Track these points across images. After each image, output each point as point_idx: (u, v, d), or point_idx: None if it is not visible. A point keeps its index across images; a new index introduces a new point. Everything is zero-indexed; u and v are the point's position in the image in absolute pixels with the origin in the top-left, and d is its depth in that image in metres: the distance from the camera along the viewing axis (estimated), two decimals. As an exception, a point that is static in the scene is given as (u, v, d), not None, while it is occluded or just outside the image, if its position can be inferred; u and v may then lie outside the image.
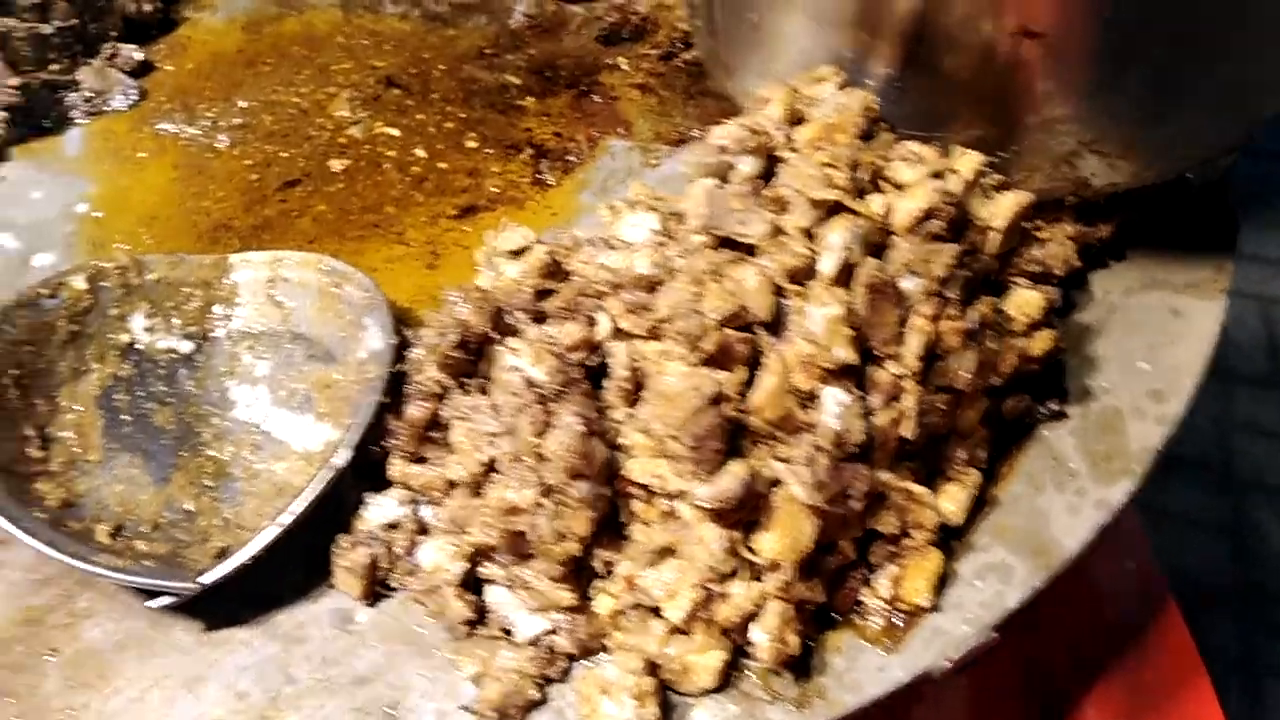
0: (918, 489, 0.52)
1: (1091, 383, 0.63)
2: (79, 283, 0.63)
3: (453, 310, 0.52)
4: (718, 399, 0.46)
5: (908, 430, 0.51)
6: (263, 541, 0.51)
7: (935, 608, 0.53)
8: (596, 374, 0.53)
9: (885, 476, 0.51)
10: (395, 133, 0.81)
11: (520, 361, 0.50)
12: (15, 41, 0.75)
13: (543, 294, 0.56)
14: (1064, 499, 0.58)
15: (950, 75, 0.62)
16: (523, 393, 0.49)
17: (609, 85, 0.85)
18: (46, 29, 0.77)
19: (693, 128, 0.83)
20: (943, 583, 0.54)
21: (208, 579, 0.51)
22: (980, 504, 0.57)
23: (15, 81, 0.75)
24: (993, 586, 0.55)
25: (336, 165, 0.78)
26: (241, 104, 0.82)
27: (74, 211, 0.74)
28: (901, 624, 0.53)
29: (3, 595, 0.54)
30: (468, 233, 0.75)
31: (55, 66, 0.78)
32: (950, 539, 0.55)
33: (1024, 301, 0.57)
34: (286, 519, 0.52)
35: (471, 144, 0.81)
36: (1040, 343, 0.57)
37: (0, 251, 0.71)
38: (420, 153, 0.80)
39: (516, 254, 0.72)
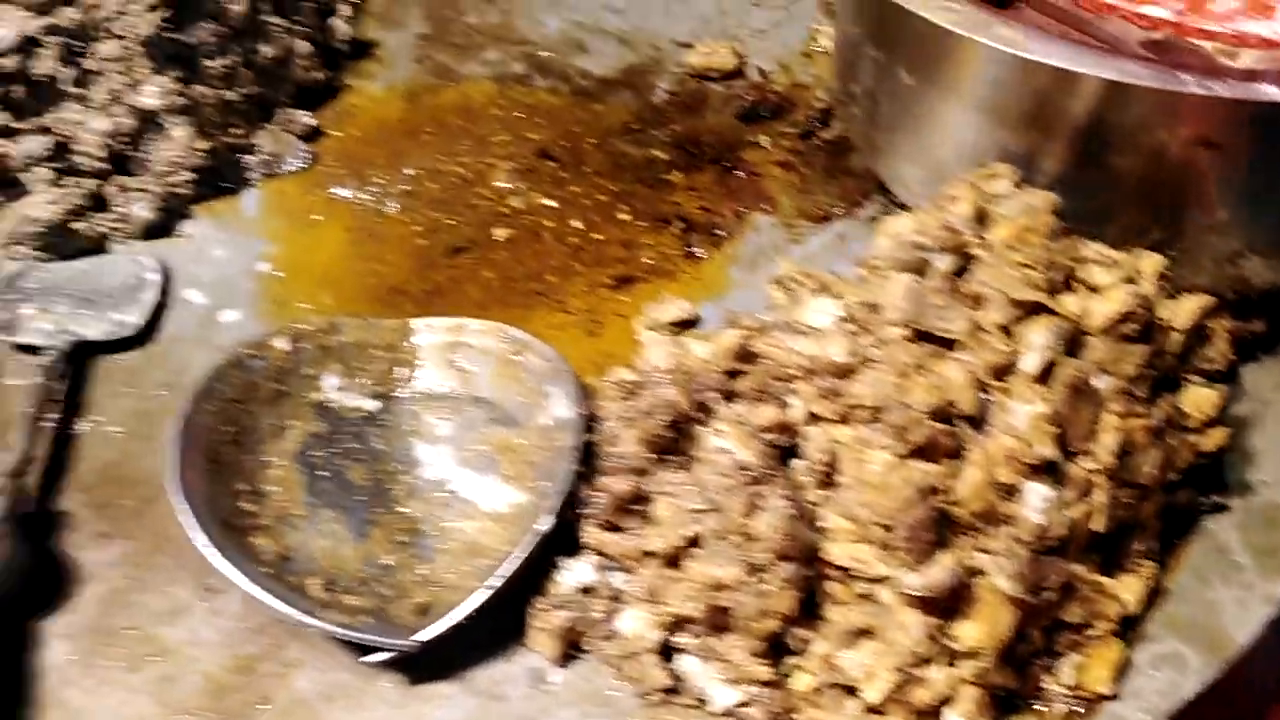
0: (1104, 580, 0.54)
1: (1251, 477, 0.65)
2: (282, 344, 0.66)
3: (657, 389, 0.55)
4: (929, 491, 0.49)
5: (1099, 524, 0.53)
6: (475, 603, 0.54)
7: (1115, 696, 0.55)
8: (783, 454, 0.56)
9: (1076, 568, 0.53)
10: (552, 204, 0.85)
11: (727, 443, 0.52)
12: (205, 108, 0.80)
13: (731, 374, 0.59)
14: (1231, 592, 0.59)
15: (1120, 176, 0.64)
16: (732, 474, 0.51)
17: (751, 161, 0.89)
18: (232, 96, 0.82)
19: (834, 205, 0.86)
20: (1121, 671, 0.55)
21: (425, 637, 0.53)
22: (1153, 595, 0.58)
23: (204, 145, 0.79)
24: (1168, 676, 0.56)
25: (499, 234, 0.82)
26: (408, 171, 0.86)
27: (256, 270, 0.78)
28: (1082, 711, 0.54)
29: (218, 643, 0.58)
30: (625, 302, 0.79)
31: (237, 131, 0.83)
32: (1126, 629, 0.57)
33: (1200, 399, 0.59)
34: (496, 582, 0.55)
35: (624, 216, 0.84)
36: (1214, 439, 0.59)
37: (190, 307, 0.75)
38: (577, 223, 0.83)
39: (678, 326, 0.76)
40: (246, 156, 0.83)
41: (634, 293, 0.79)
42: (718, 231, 0.84)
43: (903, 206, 0.81)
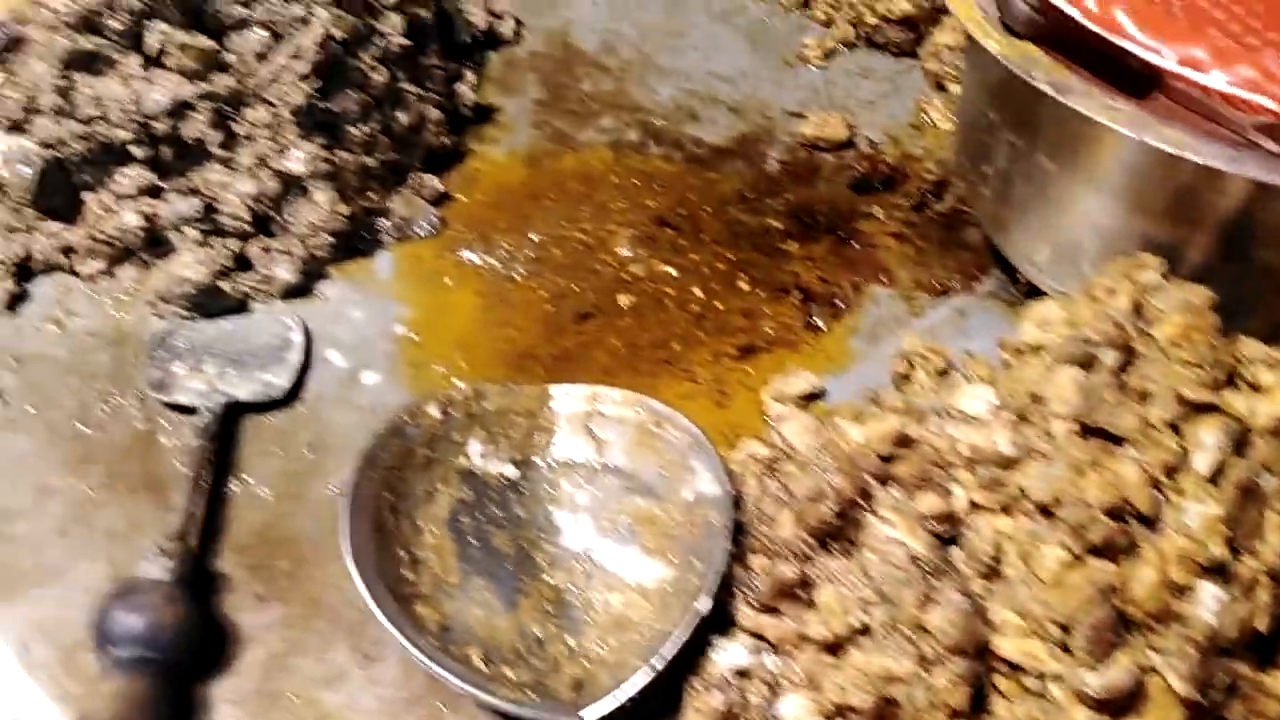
0: (1264, 678, 0.54)
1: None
2: (434, 411, 0.68)
3: (821, 475, 0.56)
4: (1109, 590, 0.49)
5: (1262, 623, 0.53)
6: (640, 683, 0.55)
7: (1277, 797, 0.54)
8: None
9: (1240, 666, 0.53)
10: (673, 272, 0.86)
11: (898, 534, 0.53)
12: (346, 173, 0.83)
13: (887, 458, 0.60)
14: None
15: (1264, 267, 0.65)
16: (905, 566, 0.52)
17: (866, 232, 0.90)
18: (370, 162, 0.85)
19: (951, 278, 0.87)
20: (1283, 772, 0.55)
21: (592, 715, 0.54)
22: (1308, 693, 0.58)
23: (345, 210, 0.82)
24: (1328, 778, 0.56)
25: (624, 301, 0.84)
26: (533, 237, 0.88)
27: (393, 332, 0.80)
28: (1245, 811, 0.54)
29: (377, 711, 0.59)
30: (750, 373, 0.80)
31: (373, 195, 0.85)
32: (1282, 728, 0.57)
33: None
34: (659, 663, 0.55)
35: (743, 285, 0.86)
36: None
37: (331, 367, 0.77)
38: (697, 292, 0.85)
39: (805, 399, 0.77)
40: (381, 220, 0.86)
41: (758, 363, 0.80)
42: (837, 302, 0.85)
43: (1024, 282, 0.82)
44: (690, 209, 0.92)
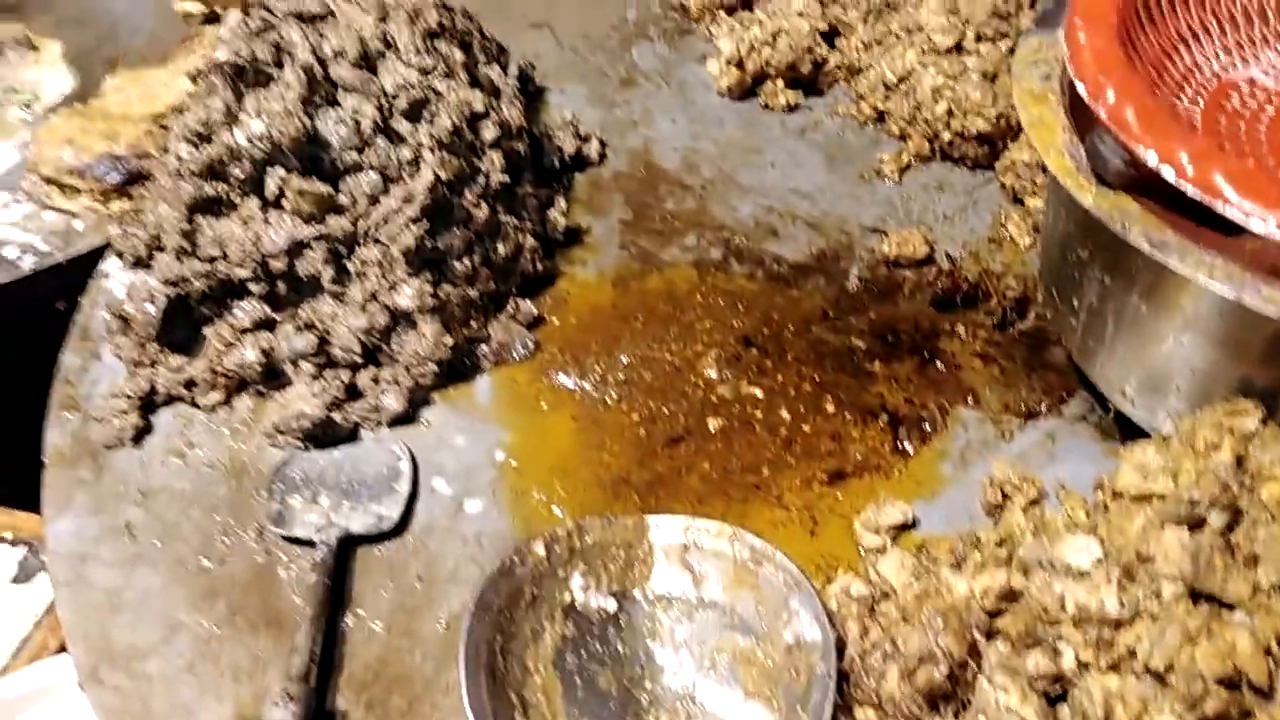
0: None
1: None
2: (540, 549, 0.71)
3: (929, 635, 0.57)
4: (1228, 765, 0.49)
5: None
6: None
7: None
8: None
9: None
10: (759, 393, 0.88)
11: (1011, 701, 0.54)
12: (452, 306, 0.87)
13: (993, 612, 0.60)
14: None
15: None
16: (1019, 731, 0.53)
17: (949, 352, 0.92)
18: (473, 293, 0.89)
19: (1039, 400, 0.88)
20: None
21: None
22: None
23: (450, 341, 0.86)
24: None
25: (713, 424, 0.86)
26: (623, 359, 0.91)
27: (494, 459, 0.83)
28: None
29: None
30: (840, 499, 0.81)
31: (474, 324, 0.89)
32: None
33: None
34: (770, 817, 0.57)
35: (830, 407, 0.87)
36: None
37: (437, 496, 0.80)
38: (785, 414, 0.87)
39: (898, 529, 0.78)
40: (481, 346, 0.89)
41: (847, 489, 0.82)
42: (924, 426, 0.86)
43: (1112, 409, 0.82)
44: (774, 328, 0.94)
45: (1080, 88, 0.65)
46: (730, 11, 1.21)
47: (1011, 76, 0.75)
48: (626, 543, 0.74)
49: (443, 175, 0.85)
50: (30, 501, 0.83)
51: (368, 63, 0.87)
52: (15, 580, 0.91)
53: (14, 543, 0.94)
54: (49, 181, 1.00)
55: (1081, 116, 0.69)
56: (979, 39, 1.04)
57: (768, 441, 0.85)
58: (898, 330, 0.94)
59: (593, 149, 1.09)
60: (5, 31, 1.30)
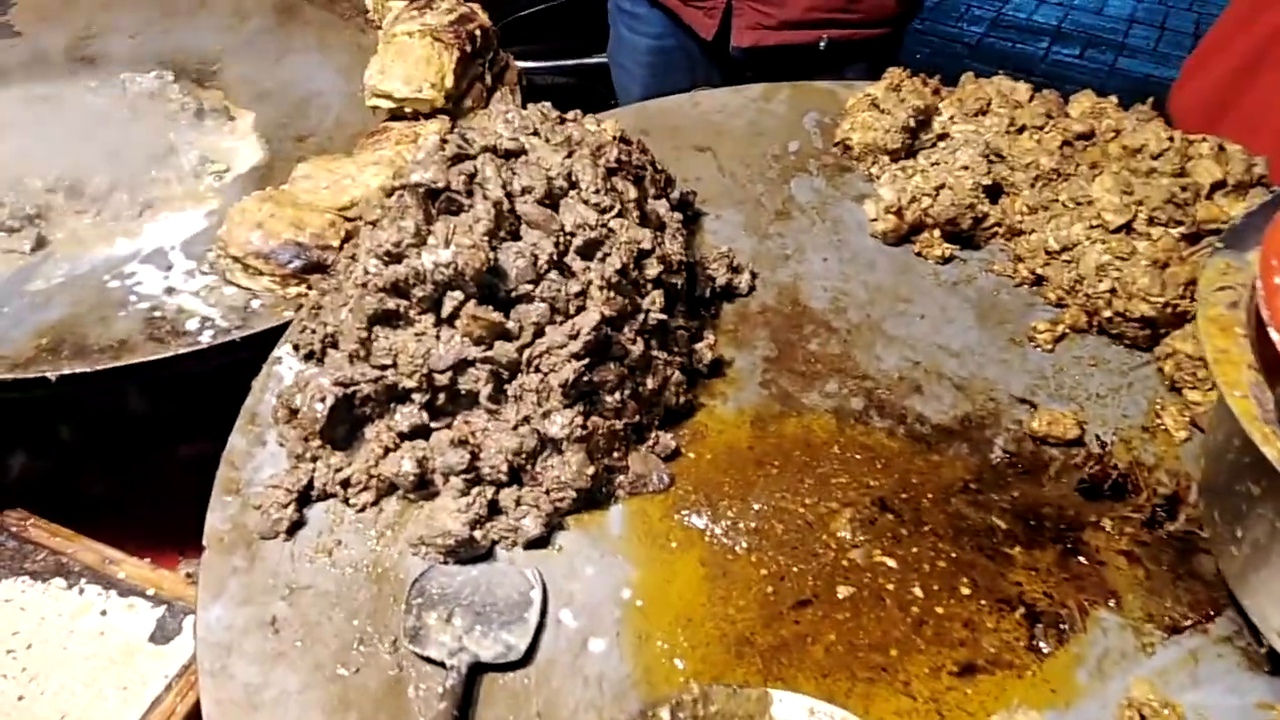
0: None
1: None
2: (665, 715, 0.71)
3: None
4: None
5: None
6: None
7: None
8: None
9: None
10: (893, 564, 0.87)
11: None
12: (598, 437, 0.89)
13: None
14: None
15: None
16: None
17: (1094, 546, 0.89)
18: (618, 425, 0.90)
19: (1184, 614, 0.84)
20: None
21: None
22: None
23: (592, 471, 0.88)
24: None
25: (842, 591, 0.85)
26: (755, 506, 0.91)
27: (620, 596, 0.84)
28: None
29: None
30: (969, 696, 0.79)
31: (616, 455, 0.91)
32: None
33: None
34: None
35: (965, 590, 0.86)
36: None
37: (563, 629, 0.81)
38: (917, 591, 0.85)
39: (1028, 740, 0.75)
40: (619, 476, 0.91)
41: (977, 685, 0.80)
42: (1062, 625, 0.83)
43: (1266, 644, 0.78)
44: (912, 493, 0.93)
45: (1276, 337, 0.64)
46: (894, 157, 1.22)
47: (1197, 298, 0.74)
48: (749, 715, 0.73)
49: (607, 314, 0.87)
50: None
51: (551, 200, 0.91)
52: (152, 639, 0.96)
53: (155, 601, 0.99)
54: (234, 259, 1.07)
55: (1272, 357, 0.67)
56: (1151, 222, 1.03)
57: (898, 619, 0.84)
58: (1040, 514, 0.92)
59: (743, 281, 1.11)
60: (205, 97, 1.40)
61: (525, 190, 0.90)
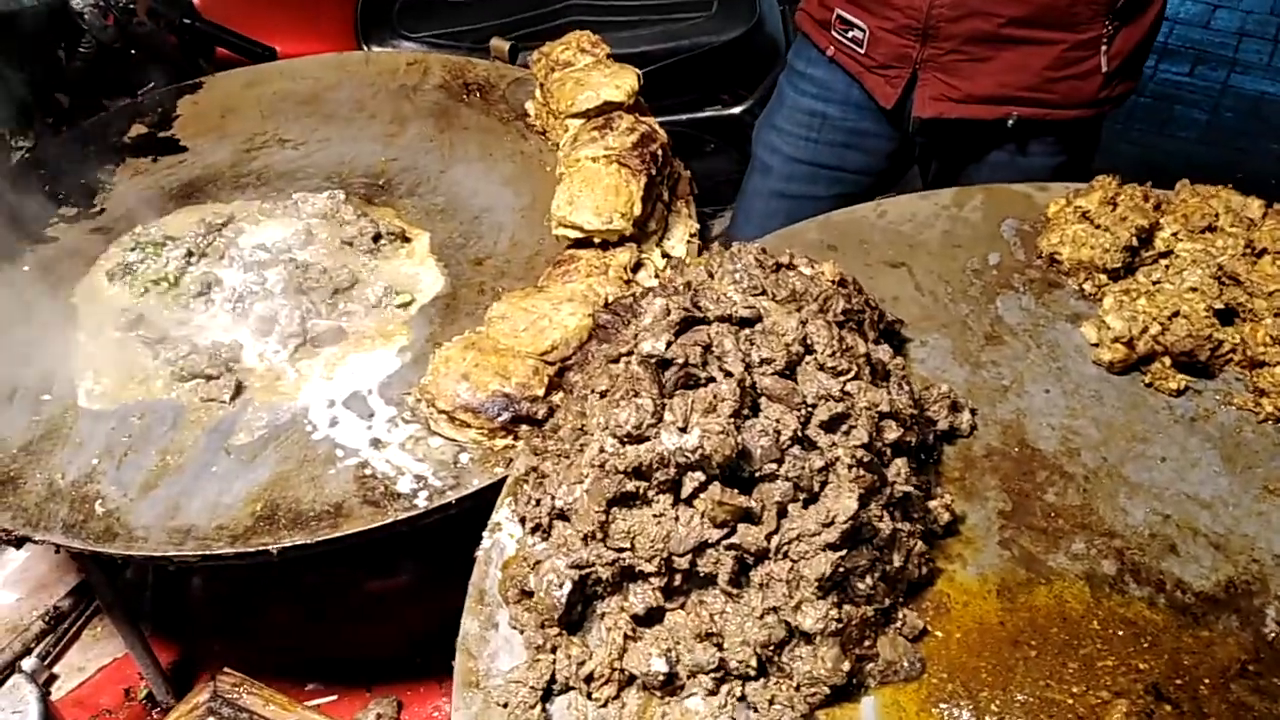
0: None
1: None
2: None
3: None
4: None
5: None
6: None
7: None
8: None
9: None
10: (1182, 768, 0.80)
11: None
12: (852, 628, 0.83)
13: None
14: None
15: None
16: None
17: (1406, 746, 0.80)
18: (869, 612, 0.85)
19: None
20: None
21: None
22: None
23: (846, 666, 0.82)
24: None
25: (1132, 804, 0.78)
26: (1019, 697, 0.85)
27: (888, 809, 0.78)
28: None
29: None
30: None
31: (867, 643, 0.85)
32: None
33: None
34: None
35: (1267, 802, 0.78)
36: None
37: None
38: (1214, 803, 0.78)
39: None
40: (869, 665, 0.85)
41: None
42: None
43: None
44: (1187, 678, 0.86)
45: None
46: (1113, 276, 1.15)
47: None
48: None
49: (859, 494, 0.82)
50: None
51: (789, 369, 0.86)
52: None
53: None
54: (441, 412, 1.04)
55: None
56: None
57: (1198, 838, 0.77)
58: (1335, 703, 0.84)
59: (964, 421, 1.05)
60: (379, 216, 1.38)
61: (765, 362, 0.86)
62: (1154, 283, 1.11)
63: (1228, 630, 0.89)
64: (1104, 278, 1.15)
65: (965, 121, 1.46)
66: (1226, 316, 1.10)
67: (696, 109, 2.48)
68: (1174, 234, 1.13)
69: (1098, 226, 1.15)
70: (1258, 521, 0.97)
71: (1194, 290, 1.08)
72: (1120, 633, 0.89)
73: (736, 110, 2.52)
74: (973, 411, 1.06)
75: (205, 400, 1.13)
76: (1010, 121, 1.44)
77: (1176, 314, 1.06)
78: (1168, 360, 1.08)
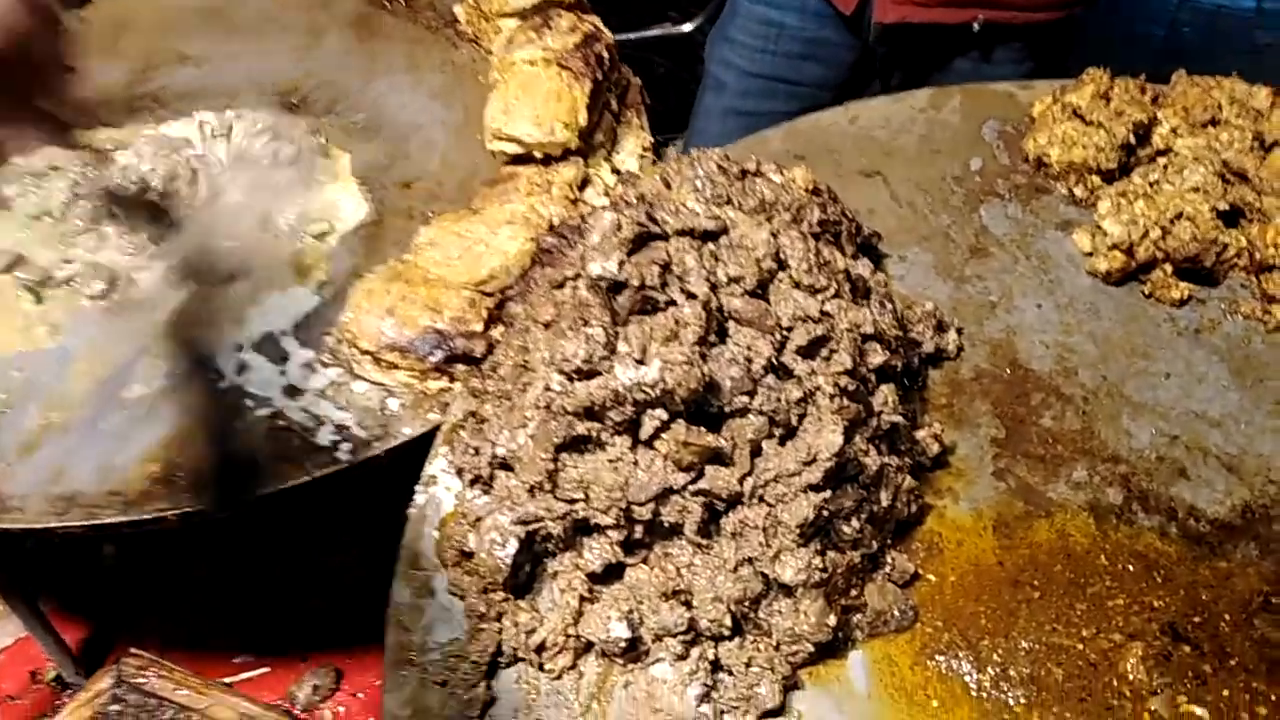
0: None
1: None
2: None
3: None
4: None
5: None
6: None
7: None
8: None
9: None
10: (1203, 714, 0.72)
11: None
12: (837, 577, 0.74)
13: None
14: None
15: None
16: None
17: None
18: (856, 558, 0.75)
19: None
20: None
21: None
22: None
23: (832, 620, 0.73)
24: None
25: (1153, 759, 0.70)
26: (1023, 644, 0.76)
27: (883, 779, 0.70)
28: None
29: None
30: None
31: (854, 593, 0.76)
32: None
33: None
34: None
35: (1298, 748, 0.70)
36: None
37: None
38: (1241, 752, 0.70)
39: None
40: (856, 616, 0.76)
41: None
42: None
43: None
44: (1206, 615, 0.78)
45: None
46: (1107, 178, 1.04)
47: None
48: None
49: (844, 427, 0.72)
50: None
51: (762, 288, 0.75)
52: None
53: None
54: (365, 353, 0.92)
55: None
56: None
57: (1224, 792, 0.69)
58: (1366, 636, 0.76)
59: (950, 341, 0.94)
60: (294, 130, 1.23)
61: (733, 280, 0.74)
62: (1152, 183, 1.01)
63: (1246, 560, 0.81)
64: (1097, 180, 1.05)
65: (928, 27, 1.34)
66: (1229, 218, 1.01)
67: (643, 27, 2.32)
68: (1173, 129, 1.03)
69: (1090, 124, 1.04)
70: (1272, 439, 0.88)
71: (1197, 190, 0.98)
72: (1130, 568, 0.81)
73: (687, 28, 2.36)
74: (959, 331, 0.96)
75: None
76: (976, 26, 1.33)
77: (1180, 216, 0.96)
78: (1169, 268, 0.98)
